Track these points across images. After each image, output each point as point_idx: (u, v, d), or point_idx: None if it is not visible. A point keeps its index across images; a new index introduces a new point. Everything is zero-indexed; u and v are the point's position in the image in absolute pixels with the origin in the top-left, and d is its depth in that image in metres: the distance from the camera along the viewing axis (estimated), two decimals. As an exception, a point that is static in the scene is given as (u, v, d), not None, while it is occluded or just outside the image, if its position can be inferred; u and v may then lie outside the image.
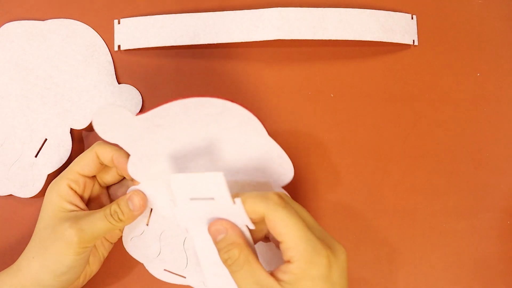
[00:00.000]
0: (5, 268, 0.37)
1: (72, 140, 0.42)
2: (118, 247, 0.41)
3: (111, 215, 0.35)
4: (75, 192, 0.37)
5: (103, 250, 0.40)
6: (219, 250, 0.32)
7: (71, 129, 0.42)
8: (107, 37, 0.44)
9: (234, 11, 0.43)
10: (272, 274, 0.31)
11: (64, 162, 0.42)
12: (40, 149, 0.42)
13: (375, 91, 0.45)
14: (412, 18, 0.46)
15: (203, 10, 0.44)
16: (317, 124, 0.45)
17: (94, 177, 0.39)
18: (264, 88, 0.45)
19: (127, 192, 0.37)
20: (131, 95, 0.43)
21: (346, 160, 0.44)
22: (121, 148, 0.36)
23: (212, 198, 0.31)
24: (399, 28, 0.45)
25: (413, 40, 0.46)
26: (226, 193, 0.30)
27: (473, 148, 0.45)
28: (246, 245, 0.31)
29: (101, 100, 0.43)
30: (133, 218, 0.37)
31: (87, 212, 0.36)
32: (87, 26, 0.44)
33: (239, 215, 0.31)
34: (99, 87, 0.43)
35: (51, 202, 0.36)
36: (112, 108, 0.32)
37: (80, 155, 0.38)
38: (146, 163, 0.35)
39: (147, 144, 0.34)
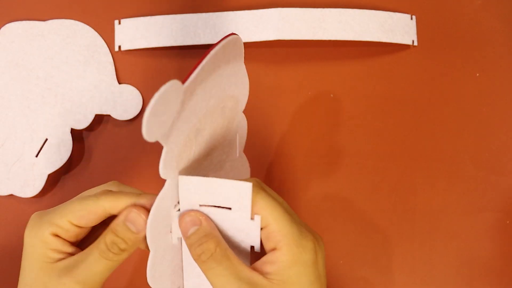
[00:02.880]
0: (6, 269, 0.36)
1: (72, 140, 0.42)
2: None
3: (109, 250, 0.28)
4: (62, 238, 0.30)
5: None
6: (190, 246, 0.28)
7: (71, 129, 0.42)
8: (108, 37, 0.44)
9: (234, 11, 0.43)
10: (253, 267, 0.28)
11: (64, 161, 0.42)
12: (40, 149, 0.42)
13: (375, 91, 0.45)
14: (412, 18, 0.46)
15: (203, 10, 0.44)
16: (317, 124, 0.45)
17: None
18: (264, 88, 0.45)
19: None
20: (132, 96, 0.43)
21: (346, 160, 0.44)
22: (136, 194, 0.29)
23: (229, 208, 0.28)
24: (399, 28, 0.45)
25: (413, 40, 0.46)
26: (248, 206, 0.27)
27: (473, 148, 0.45)
28: (222, 239, 0.28)
29: (101, 100, 0.43)
30: (139, 242, 0.29)
31: (79, 256, 0.29)
32: (88, 26, 0.44)
33: (252, 233, 0.29)
34: (99, 87, 0.43)
35: (35, 252, 0.29)
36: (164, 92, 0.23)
37: (79, 200, 0.30)
38: (178, 152, 0.28)
39: (180, 126, 0.27)
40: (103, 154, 0.43)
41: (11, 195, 0.42)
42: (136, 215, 0.28)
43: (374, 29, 0.44)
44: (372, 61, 0.46)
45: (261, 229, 0.28)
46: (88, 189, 0.44)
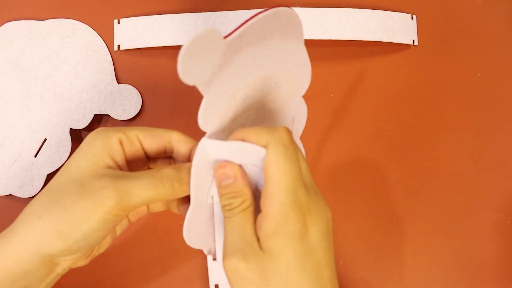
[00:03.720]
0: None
1: (71, 140, 0.42)
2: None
3: (162, 181, 0.28)
4: (123, 150, 0.29)
5: (120, 227, 0.33)
6: (221, 196, 0.28)
7: (70, 129, 0.42)
8: (107, 37, 0.44)
9: (234, 11, 0.43)
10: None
11: (63, 162, 0.42)
12: (39, 149, 0.42)
13: (375, 91, 0.45)
14: (412, 18, 0.46)
15: (203, 10, 0.44)
16: (317, 124, 0.44)
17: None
18: (264, 88, 0.45)
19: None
20: (131, 95, 0.43)
21: (346, 160, 0.44)
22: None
23: (255, 165, 0.28)
24: (399, 28, 0.45)
25: (413, 40, 0.46)
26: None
27: (473, 148, 0.45)
28: (252, 198, 0.28)
29: (100, 100, 0.43)
30: (188, 190, 0.29)
31: (129, 173, 0.28)
32: (87, 26, 0.44)
33: None
34: (98, 87, 0.43)
35: (90, 151, 0.28)
36: (201, 35, 0.23)
37: (153, 128, 0.31)
38: (219, 107, 0.28)
39: (222, 82, 0.27)
40: (102, 154, 0.43)
41: (10, 195, 0.41)
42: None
43: (374, 28, 0.44)
44: (372, 61, 0.46)
45: (264, 183, 0.27)
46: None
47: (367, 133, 0.45)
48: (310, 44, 0.46)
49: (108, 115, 0.43)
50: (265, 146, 0.27)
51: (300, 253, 0.26)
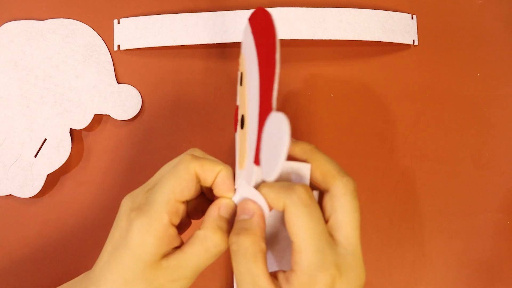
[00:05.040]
0: (5, 269, 0.36)
1: (71, 140, 0.42)
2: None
3: (209, 244, 0.28)
4: (175, 227, 0.29)
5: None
6: (233, 229, 0.28)
7: (70, 129, 0.42)
8: (107, 37, 0.44)
9: (234, 11, 0.43)
10: (275, 276, 0.28)
11: (63, 162, 0.41)
12: (39, 149, 0.42)
13: (375, 91, 0.45)
14: (412, 18, 0.46)
15: (203, 10, 0.44)
16: (317, 124, 0.44)
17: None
18: (264, 88, 0.45)
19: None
20: (131, 95, 0.43)
21: (345, 160, 0.44)
22: (220, 163, 0.30)
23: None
24: (399, 28, 0.45)
25: (413, 40, 0.46)
26: (307, 184, 0.29)
27: (473, 148, 0.45)
28: (262, 241, 0.27)
29: (100, 100, 0.43)
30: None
31: (179, 252, 0.29)
32: (87, 26, 0.44)
33: None
34: (98, 87, 0.43)
35: (144, 249, 0.27)
36: None
37: (171, 173, 0.29)
38: None
39: None
40: (102, 154, 0.43)
41: (10, 195, 0.41)
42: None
43: (374, 28, 0.44)
44: (372, 61, 0.46)
45: (292, 243, 0.27)
46: (86, 189, 0.44)
47: (367, 133, 0.45)
48: (310, 44, 0.46)
49: (108, 115, 0.43)
50: (284, 208, 0.27)
51: None
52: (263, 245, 0.27)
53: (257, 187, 0.29)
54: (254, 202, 0.28)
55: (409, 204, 0.44)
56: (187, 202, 0.30)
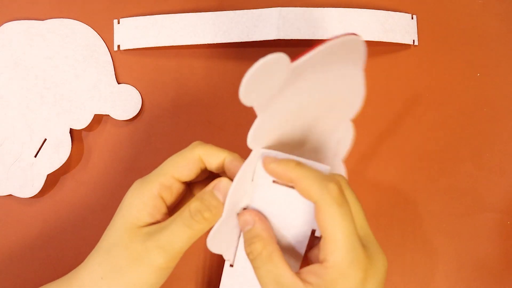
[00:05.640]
0: (5, 269, 0.36)
1: (71, 140, 0.42)
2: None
3: (192, 217, 0.29)
4: (164, 201, 0.30)
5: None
6: (244, 242, 0.29)
7: (70, 129, 0.42)
8: (107, 37, 0.44)
9: (234, 11, 0.43)
10: (298, 273, 0.28)
11: (63, 162, 0.41)
12: (39, 149, 0.42)
13: (375, 91, 0.45)
14: (412, 18, 0.46)
15: (203, 10, 0.44)
16: (317, 124, 0.45)
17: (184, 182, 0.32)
18: (264, 88, 0.45)
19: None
20: (131, 95, 0.43)
21: (345, 160, 0.44)
22: (226, 150, 0.31)
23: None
24: (399, 28, 0.45)
25: (413, 40, 0.46)
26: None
27: (473, 148, 0.45)
28: (272, 241, 0.29)
29: (100, 100, 0.43)
30: (221, 212, 0.29)
31: (164, 223, 0.30)
32: (87, 26, 0.44)
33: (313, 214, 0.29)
34: (98, 87, 0.43)
35: (129, 213, 0.30)
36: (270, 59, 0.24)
37: (176, 154, 0.31)
38: (269, 128, 0.29)
39: (279, 104, 0.27)
40: (102, 154, 0.43)
41: (10, 195, 0.41)
42: (226, 184, 0.29)
43: (374, 28, 0.44)
44: (372, 61, 0.46)
45: (321, 237, 0.28)
46: (86, 189, 0.44)
47: (367, 133, 0.45)
48: (310, 44, 0.46)
49: (108, 115, 0.43)
50: (315, 202, 0.27)
51: None
52: (275, 245, 0.28)
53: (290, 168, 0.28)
54: (250, 212, 0.30)
55: (409, 204, 0.44)
56: (188, 188, 0.32)
